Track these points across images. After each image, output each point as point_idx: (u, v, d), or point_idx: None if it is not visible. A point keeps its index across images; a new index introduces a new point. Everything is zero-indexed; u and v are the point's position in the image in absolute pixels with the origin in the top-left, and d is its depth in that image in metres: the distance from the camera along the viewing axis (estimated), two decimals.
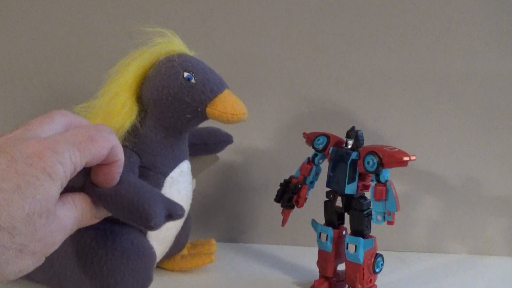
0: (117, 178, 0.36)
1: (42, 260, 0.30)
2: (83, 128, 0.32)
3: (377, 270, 0.47)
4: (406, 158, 0.44)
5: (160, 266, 0.54)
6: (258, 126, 0.64)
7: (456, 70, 0.61)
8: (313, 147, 0.50)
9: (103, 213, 0.36)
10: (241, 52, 0.62)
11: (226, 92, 0.46)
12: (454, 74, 0.61)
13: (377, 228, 0.47)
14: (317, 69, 0.62)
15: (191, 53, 0.48)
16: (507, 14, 0.60)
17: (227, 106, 0.44)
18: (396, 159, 0.45)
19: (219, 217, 0.65)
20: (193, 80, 0.44)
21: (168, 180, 0.46)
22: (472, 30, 0.60)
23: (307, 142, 0.52)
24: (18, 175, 0.27)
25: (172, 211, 0.37)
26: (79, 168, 0.31)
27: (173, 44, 0.47)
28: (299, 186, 0.51)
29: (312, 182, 0.52)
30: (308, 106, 0.63)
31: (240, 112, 0.45)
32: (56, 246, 0.31)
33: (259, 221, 0.65)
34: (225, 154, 0.64)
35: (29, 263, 0.28)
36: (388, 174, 0.46)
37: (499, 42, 0.60)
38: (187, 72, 0.44)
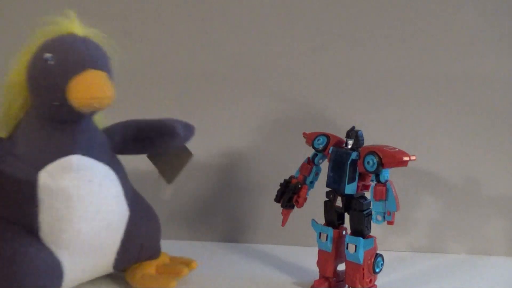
0: None
1: None
2: None
3: (377, 270, 0.47)
4: (406, 158, 0.44)
5: (125, 277, 0.50)
6: (258, 126, 0.63)
7: (456, 70, 0.61)
8: (313, 147, 0.50)
9: None
10: (241, 52, 0.62)
11: (86, 73, 0.39)
12: (454, 74, 0.61)
13: (377, 228, 0.47)
14: (317, 69, 0.62)
15: (84, 32, 0.44)
16: (507, 14, 0.60)
17: (78, 90, 0.39)
18: (396, 159, 0.45)
19: (219, 217, 0.65)
20: (51, 61, 0.40)
21: (43, 175, 0.41)
22: (472, 30, 0.60)
23: (307, 142, 0.51)
24: None
25: None
26: None
27: (60, 24, 0.43)
28: (299, 186, 0.51)
29: (312, 182, 0.52)
30: (308, 106, 0.63)
31: (90, 96, 0.38)
32: None
33: (259, 221, 0.65)
34: (225, 154, 0.64)
35: None
36: (388, 174, 0.46)
37: (499, 42, 0.60)
38: (48, 53, 0.40)
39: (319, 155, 0.51)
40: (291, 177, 0.52)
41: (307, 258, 0.56)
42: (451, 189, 0.63)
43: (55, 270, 0.43)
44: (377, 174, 0.46)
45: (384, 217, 0.46)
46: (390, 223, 0.45)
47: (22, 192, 0.42)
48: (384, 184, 0.46)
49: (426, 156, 0.61)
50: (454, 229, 0.63)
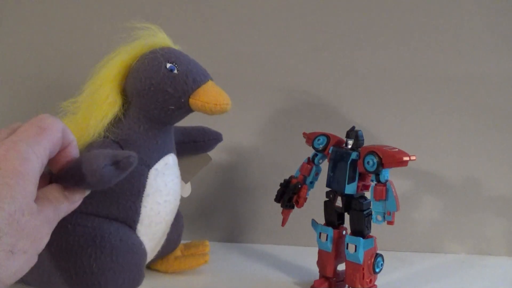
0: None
1: (35, 258, 0.30)
2: (28, 123, 0.32)
3: (377, 270, 0.47)
4: (406, 158, 0.44)
5: (153, 267, 0.54)
6: (258, 126, 0.64)
7: (456, 70, 0.61)
8: (313, 147, 0.50)
9: (78, 195, 0.36)
10: (241, 52, 0.62)
11: (210, 83, 0.45)
12: (454, 74, 0.61)
13: (377, 228, 0.47)
14: (317, 69, 0.62)
15: (176, 47, 0.48)
16: (507, 14, 0.60)
17: (210, 96, 0.44)
18: (396, 159, 0.45)
19: (219, 217, 0.65)
20: (175, 71, 0.44)
21: (153, 172, 0.46)
22: (472, 30, 0.60)
23: (307, 142, 0.52)
24: None
25: (117, 158, 0.35)
26: (46, 159, 0.31)
27: (157, 37, 0.47)
28: (299, 186, 0.51)
29: (312, 182, 0.52)
30: (308, 106, 0.63)
31: (223, 102, 0.44)
32: (45, 240, 0.31)
33: (259, 221, 0.65)
34: (225, 154, 0.64)
35: (23, 263, 0.29)
36: (388, 174, 0.46)
37: (499, 42, 0.60)
38: (170, 63, 0.44)
39: (319, 155, 0.51)
40: (291, 177, 0.52)
41: (307, 258, 0.56)
42: (451, 189, 0.63)
43: (145, 261, 0.47)
44: (377, 174, 0.46)
45: (384, 217, 0.46)
46: (390, 223, 0.45)
47: (132, 190, 0.45)
48: (384, 184, 0.46)
49: (426, 156, 0.61)
50: (454, 229, 0.63)
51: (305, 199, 0.51)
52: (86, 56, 0.64)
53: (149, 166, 0.46)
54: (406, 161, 0.45)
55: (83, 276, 0.42)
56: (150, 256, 0.49)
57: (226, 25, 0.62)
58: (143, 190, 0.45)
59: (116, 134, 0.45)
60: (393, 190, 0.45)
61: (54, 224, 0.32)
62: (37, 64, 0.65)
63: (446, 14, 0.60)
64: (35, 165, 0.30)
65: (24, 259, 0.29)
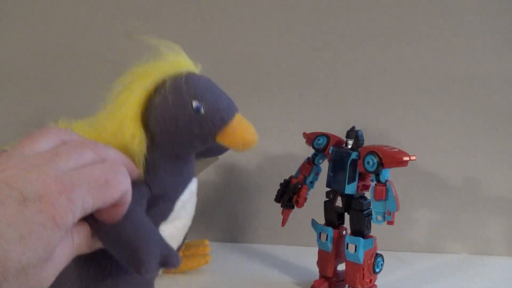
0: (120, 217, 0.34)
1: None
2: (100, 169, 0.30)
3: (377, 270, 0.47)
4: (406, 158, 0.44)
5: None
6: (258, 126, 0.63)
7: (456, 70, 0.61)
8: (313, 147, 0.50)
9: (99, 245, 0.35)
10: (241, 52, 0.62)
11: (237, 118, 0.43)
12: (454, 74, 0.61)
13: (377, 228, 0.47)
14: (317, 69, 0.62)
15: (197, 68, 0.45)
16: (507, 14, 0.59)
17: (238, 136, 0.42)
18: (396, 159, 0.45)
19: (219, 217, 0.65)
20: (202, 111, 0.41)
21: (178, 204, 0.45)
22: (472, 30, 0.60)
23: (307, 142, 0.51)
24: (25, 223, 0.25)
25: (168, 260, 0.35)
26: (87, 213, 0.29)
27: (179, 62, 0.43)
28: (299, 186, 0.51)
29: (312, 182, 0.52)
30: (308, 105, 0.63)
31: (250, 141, 0.43)
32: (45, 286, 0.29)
33: (259, 221, 0.65)
34: (225, 155, 0.64)
35: None
36: (388, 174, 0.46)
37: (499, 42, 0.60)
38: (196, 100, 0.41)
39: (319, 155, 0.51)
40: (291, 177, 0.52)
41: (307, 258, 0.56)
42: (451, 189, 0.63)
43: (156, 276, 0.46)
44: (377, 174, 0.46)
45: (384, 217, 0.46)
46: (390, 223, 0.45)
47: (156, 220, 0.44)
48: (384, 184, 0.46)
49: (426, 156, 0.61)
50: (454, 229, 0.63)
51: (305, 199, 0.51)
52: (86, 56, 0.64)
53: (176, 199, 0.45)
54: (406, 161, 0.45)
55: (97, 281, 0.41)
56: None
57: (226, 25, 0.62)
58: (166, 218, 0.44)
59: (141, 173, 0.43)
60: (393, 190, 0.45)
61: (60, 270, 0.30)
62: (38, 64, 0.65)
63: (446, 14, 0.60)
64: (75, 218, 0.28)
65: None
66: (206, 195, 0.64)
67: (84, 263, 0.41)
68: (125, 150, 0.41)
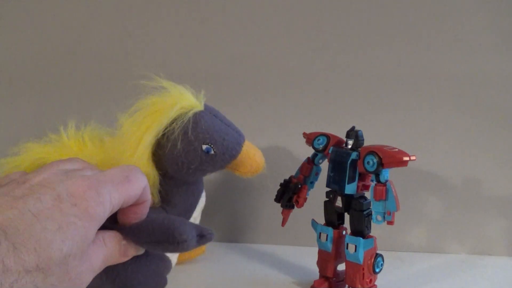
0: (144, 217, 0.37)
1: None
2: (119, 168, 0.33)
3: (377, 270, 0.47)
4: (406, 158, 0.44)
5: None
6: (258, 126, 0.63)
7: (457, 70, 0.61)
8: (313, 147, 0.50)
9: (132, 252, 0.37)
10: (241, 52, 0.62)
11: (244, 149, 0.46)
12: (454, 74, 0.61)
13: (377, 228, 0.47)
14: (317, 68, 0.62)
15: (201, 102, 0.47)
16: (507, 14, 0.59)
17: (247, 166, 0.47)
18: (396, 159, 0.45)
19: (219, 217, 0.65)
20: (212, 152, 0.44)
21: (191, 220, 0.50)
22: (472, 30, 0.60)
23: (307, 142, 0.51)
24: (62, 215, 0.27)
25: (203, 232, 0.38)
26: (116, 208, 0.32)
27: (184, 102, 0.45)
28: (299, 186, 0.51)
29: (312, 182, 0.52)
30: (308, 106, 0.63)
31: (258, 168, 0.47)
32: (84, 285, 0.31)
33: (259, 221, 0.65)
34: None
35: None
36: (388, 174, 0.46)
37: (499, 42, 0.60)
38: (205, 144, 0.44)
39: (319, 155, 0.51)
40: (291, 177, 0.52)
41: (307, 258, 0.56)
42: (451, 189, 0.63)
43: (168, 272, 0.49)
44: (377, 174, 0.46)
45: (384, 217, 0.46)
46: (390, 223, 0.45)
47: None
48: (384, 184, 0.46)
49: (426, 156, 0.61)
50: (454, 229, 0.63)
51: (305, 199, 0.51)
52: (86, 55, 0.64)
53: (189, 217, 0.49)
54: (406, 161, 0.45)
55: (115, 279, 0.43)
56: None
57: (226, 25, 0.62)
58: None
59: (157, 202, 0.46)
60: (393, 190, 0.45)
61: (96, 273, 0.32)
62: (37, 64, 0.65)
63: (446, 14, 0.60)
64: (106, 211, 0.30)
65: None
66: (206, 195, 0.64)
67: None
68: None
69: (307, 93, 0.63)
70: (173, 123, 0.44)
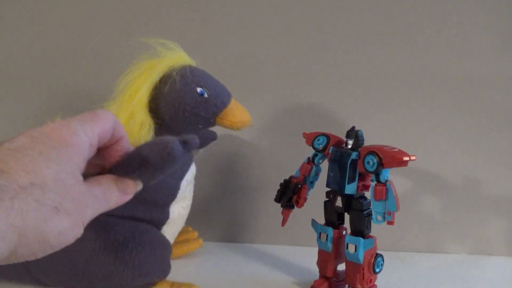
0: (128, 147, 0.37)
1: (80, 227, 0.30)
2: (85, 112, 0.34)
3: (377, 270, 0.47)
4: (406, 158, 0.44)
5: None
6: (258, 126, 0.64)
7: (457, 70, 0.61)
8: (313, 147, 0.50)
9: (130, 187, 0.36)
10: (241, 52, 0.62)
11: (233, 102, 0.50)
12: (454, 74, 0.61)
13: (377, 228, 0.47)
14: (317, 69, 0.62)
15: (193, 63, 0.51)
16: (507, 14, 0.60)
17: (237, 116, 0.49)
18: (396, 159, 0.45)
19: (219, 217, 0.65)
20: (206, 95, 0.48)
21: (184, 183, 0.51)
22: (472, 30, 0.60)
23: (307, 142, 0.51)
24: (41, 146, 0.29)
25: (186, 139, 0.37)
26: (95, 142, 0.32)
27: (180, 57, 0.49)
28: (299, 186, 0.51)
29: (312, 182, 0.52)
30: (308, 106, 0.63)
31: (247, 120, 0.49)
32: (90, 212, 0.31)
33: (259, 221, 0.65)
34: (225, 154, 0.64)
35: (67, 226, 0.29)
36: (388, 174, 0.46)
37: (499, 42, 0.60)
38: (200, 87, 0.48)
39: (319, 155, 0.51)
40: (291, 177, 0.52)
41: (307, 258, 0.56)
42: (451, 189, 0.63)
43: (170, 255, 0.51)
44: (377, 174, 0.46)
45: (384, 217, 0.46)
46: (390, 223, 0.45)
47: (166, 199, 0.51)
48: (384, 184, 0.46)
49: (426, 156, 0.61)
50: (454, 229, 0.63)
51: (305, 199, 0.51)
52: (86, 55, 0.64)
53: (182, 178, 0.51)
54: (406, 161, 0.45)
55: (124, 269, 0.46)
56: None
57: (226, 25, 0.62)
58: (174, 198, 0.51)
59: None
60: (393, 190, 0.45)
61: (101, 206, 0.33)
62: (37, 64, 0.65)
63: (446, 14, 0.60)
64: (84, 140, 0.31)
65: (69, 222, 0.29)
66: (206, 195, 0.64)
67: (110, 230, 0.47)
68: (136, 137, 0.46)
69: (307, 93, 0.63)
70: (170, 71, 0.48)
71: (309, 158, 0.51)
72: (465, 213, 0.63)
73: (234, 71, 0.63)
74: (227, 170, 0.64)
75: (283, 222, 0.52)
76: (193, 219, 0.65)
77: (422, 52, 0.61)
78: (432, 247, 0.63)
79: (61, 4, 0.64)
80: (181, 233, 0.58)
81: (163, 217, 0.51)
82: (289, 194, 0.51)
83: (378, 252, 0.48)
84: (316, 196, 0.51)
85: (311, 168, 0.51)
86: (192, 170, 0.53)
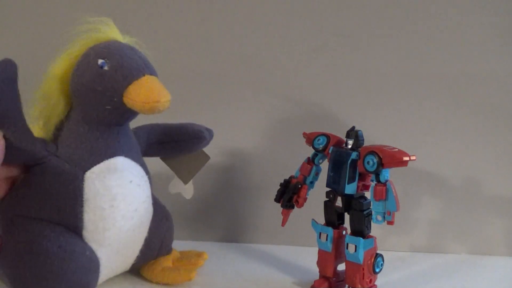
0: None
1: None
2: None
3: (377, 270, 0.47)
4: (406, 158, 0.44)
5: (142, 274, 0.52)
6: (258, 126, 0.64)
7: (456, 70, 0.61)
8: (313, 147, 0.50)
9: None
10: (241, 52, 0.62)
11: (145, 78, 0.41)
12: (454, 74, 0.61)
13: (377, 228, 0.47)
14: (317, 68, 0.62)
15: (124, 39, 0.46)
16: (507, 14, 0.60)
17: (140, 94, 0.40)
18: (396, 159, 0.45)
19: (219, 217, 0.65)
20: (106, 67, 0.41)
21: (89, 175, 0.43)
22: (472, 30, 0.60)
23: (307, 142, 0.51)
24: None
25: None
26: None
27: (102, 31, 0.44)
28: (299, 186, 0.51)
29: (312, 182, 0.52)
30: (308, 106, 0.63)
31: (153, 100, 0.40)
32: None
33: (259, 221, 0.65)
34: (225, 154, 0.64)
35: None
36: (388, 174, 0.46)
37: (499, 42, 0.60)
38: (101, 59, 0.41)
39: (319, 155, 0.51)
40: (291, 177, 0.52)
41: (307, 258, 0.56)
42: (451, 189, 0.63)
43: (96, 268, 0.45)
44: (377, 174, 0.46)
45: (384, 217, 0.46)
46: (390, 223, 0.45)
47: (68, 193, 0.43)
48: (384, 184, 0.46)
49: (426, 156, 0.61)
50: (454, 229, 0.63)
51: (305, 199, 0.51)
52: None
53: (84, 169, 0.43)
54: (406, 161, 0.45)
55: (16, 283, 0.41)
56: (118, 262, 0.47)
57: (226, 25, 0.62)
58: (81, 194, 0.43)
59: (56, 136, 0.44)
60: (393, 190, 0.45)
61: None
62: (37, 64, 0.65)
63: (446, 14, 0.60)
64: None
65: None
66: (206, 195, 0.64)
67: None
68: (50, 118, 0.43)
69: (307, 93, 0.63)
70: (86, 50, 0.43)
71: (309, 158, 0.51)
72: (465, 213, 0.63)
73: (234, 71, 0.63)
74: (227, 170, 0.64)
75: (283, 222, 0.52)
76: (193, 219, 0.65)
77: (422, 52, 0.61)
78: (432, 247, 0.63)
79: (60, 4, 0.63)
80: (185, 257, 0.54)
81: (73, 219, 0.43)
82: (289, 194, 0.51)
83: (378, 252, 0.48)
84: (316, 196, 0.51)
85: (311, 168, 0.51)
86: (109, 163, 0.44)
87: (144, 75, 0.41)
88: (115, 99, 0.41)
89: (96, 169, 0.43)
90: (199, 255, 0.55)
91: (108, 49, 0.42)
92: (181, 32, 0.63)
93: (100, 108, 0.42)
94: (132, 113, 0.43)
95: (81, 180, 0.43)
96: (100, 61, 0.41)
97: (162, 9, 0.62)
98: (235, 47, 0.63)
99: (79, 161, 0.43)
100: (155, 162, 0.52)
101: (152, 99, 0.40)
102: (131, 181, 0.45)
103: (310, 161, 0.51)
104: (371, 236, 0.47)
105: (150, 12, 0.63)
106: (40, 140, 0.42)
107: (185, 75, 0.63)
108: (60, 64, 0.43)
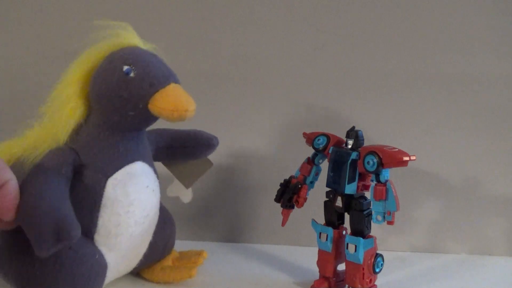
0: (11, 207, 0.37)
1: None
2: None
3: (377, 270, 0.47)
4: (406, 158, 0.45)
5: (142, 275, 0.52)
6: (258, 126, 0.64)
7: (456, 70, 0.61)
8: (313, 147, 0.50)
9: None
10: (241, 52, 0.62)
11: (171, 86, 0.42)
12: (454, 74, 0.61)
13: (377, 228, 0.47)
14: (317, 69, 0.62)
15: (145, 46, 0.46)
16: (507, 14, 0.60)
17: (168, 102, 0.41)
18: (396, 159, 0.45)
19: (219, 217, 0.65)
20: (132, 74, 0.41)
21: (111, 182, 0.43)
22: (472, 30, 0.60)
23: (307, 142, 0.51)
24: None
25: (60, 233, 0.36)
26: None
27: (123, 37, 0.44)
28: (299, 186, 0.51)
29: (312, 182, 0.52)
30: (308, 106, 0.63)
31: (181, 109, 0.40)
32: None
33: (259, 221, 0.65)
34: (225, 155, 0.64)
35: None
36: (388, 174, 0.46)
37: (499, 42, 0.60)
38: (127, 65, 0.41)
39: (319, 155, 0.51)
40: (291, 177, 0.52)
41: (307, 258, 0.56)
42: (451, 189, 0.63)
43: (103, 272, 0.44)
44: (377, 174, 0.46)
45: (384, 217, 0.46)
46: (390, 223, 0.45)
47: (87, 199, 0.43)
48: (384, 184, 0.46)
49: (426, 156, 0.61)
50: (454, 229, 0.63)
51: (305, 199, 0.51)
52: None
53: (107, 175, 0.43)
54: (406, 161, 0.45)
55: (28, 285, 0.41)
56: (123, 266, 0.47)
57: (226, 26, 0.62)
58: (100, 200, 0.43)
59: (75, 141, 0.43)
60: (393, 190, 0.45)
61: None
62: (36, 63, 0.65)
63: (446, 14, 0.60)
64: None
65: None
66: (206, 195, 0.64)
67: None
68: (64, 122, 0.42)
69: (307, 93, 0.63)
70: (107, 55, 0.43)
71: (309, 158, 0.51)
72: (465, 213, 0.63)
73: (234, 71, 0.63)
74: (227, 170, 0.64)
75: (283, 222, 0.52)
76: (193, 219, 0.65)
77: (422, 52, 0.61)
78: (432, 247, 0.63)
79: (61, 4, 0.63)
80: (185, 257, 0.54)
81: (87, 223, 0.43)
82: (289, 194, 0.51)
83: (378, 252, 0.48)
84: (316, 196, 0.51)
85: (311, 168, 0.51)
86: (129, 169, 0.44)
87: (170, 83, 0.42)
88: (140, 106, 0.41)
89: (118, 175, 0.43)
90: (198, 253, 0.54)
91: (134, 56, 0.42)
92: (181, 32, 0.63)
93: (123, 113, 0.42)
94: (154, 119, 0.43)
95: (103, 187, 0.43)
96: (125, 68, 0.41)
97: (161, 9, 0.62)
98: (235, 47, 0.63)
99: (102, 167, 0.43)
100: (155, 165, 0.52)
101: (181, 107, 0.41)
102: (147, 186, 0.46)
103: (310, 161, 0.51)
104: (371, 236, 0.47)
105: (150, 13, 0.63)
106: (71, 153, 0.42)
107: (184, 75, 0.62)
108: (80, 68, 0.43)
